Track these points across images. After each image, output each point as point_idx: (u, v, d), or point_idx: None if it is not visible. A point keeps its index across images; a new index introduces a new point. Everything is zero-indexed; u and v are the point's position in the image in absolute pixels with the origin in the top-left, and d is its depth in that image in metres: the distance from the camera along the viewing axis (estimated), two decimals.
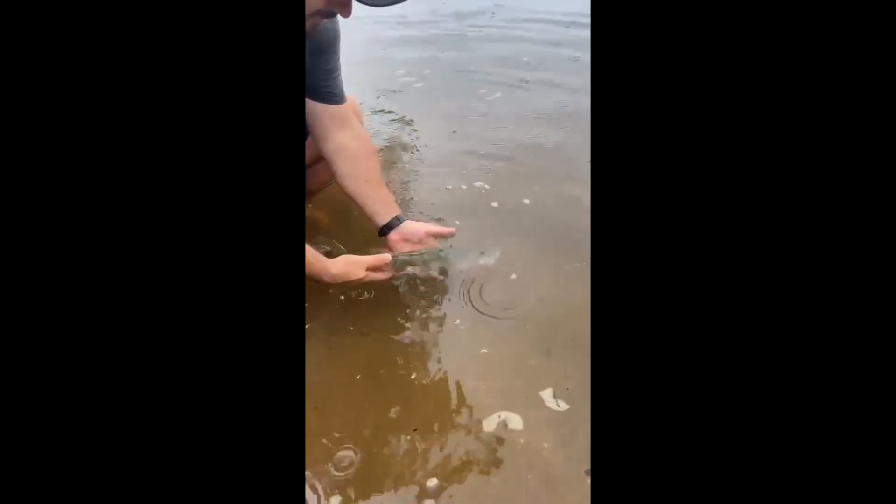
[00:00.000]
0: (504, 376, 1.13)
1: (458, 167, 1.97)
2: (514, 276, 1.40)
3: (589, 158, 1.93)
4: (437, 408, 1.07)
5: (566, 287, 1.35)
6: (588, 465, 0.93)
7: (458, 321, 1.28)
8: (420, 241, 1.35)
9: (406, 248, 1.34)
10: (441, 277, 1.34)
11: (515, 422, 1.03)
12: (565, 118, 2.27)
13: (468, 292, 1.35)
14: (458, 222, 1.61)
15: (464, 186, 1.84)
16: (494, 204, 1.73)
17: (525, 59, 3.06)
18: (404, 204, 1.75)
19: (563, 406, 1.05)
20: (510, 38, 3.51)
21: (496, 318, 1.28)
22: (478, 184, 1.84)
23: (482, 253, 1.31)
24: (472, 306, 1.31)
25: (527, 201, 1.73)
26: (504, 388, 1.10)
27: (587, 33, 3.09)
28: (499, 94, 2.62)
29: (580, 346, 1.17)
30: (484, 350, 1.19)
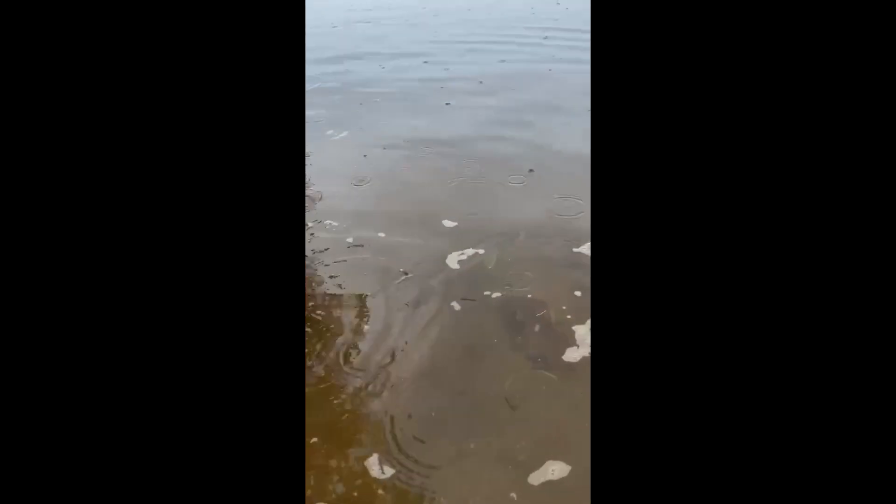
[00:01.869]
0: (332, 445, 1.06)
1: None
2: (370, 329, 1.45)
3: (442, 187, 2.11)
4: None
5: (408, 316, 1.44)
6: None
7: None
8: None
9: None
10: None
11: None
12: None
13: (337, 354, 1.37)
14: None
15: (310, 224, 1.88)
16: (349, 239, 1.78)
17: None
18: None
19: (388, 472, 0.99)
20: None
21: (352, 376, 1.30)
22: (328, 222, 1.88)
23: None
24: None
25: (381, 234, 1.81)
26: (334, 457, 1.03)
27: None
28: (345, 134, 2.70)
29: (424, 384, 1.22)
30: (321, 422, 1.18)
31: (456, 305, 1.44)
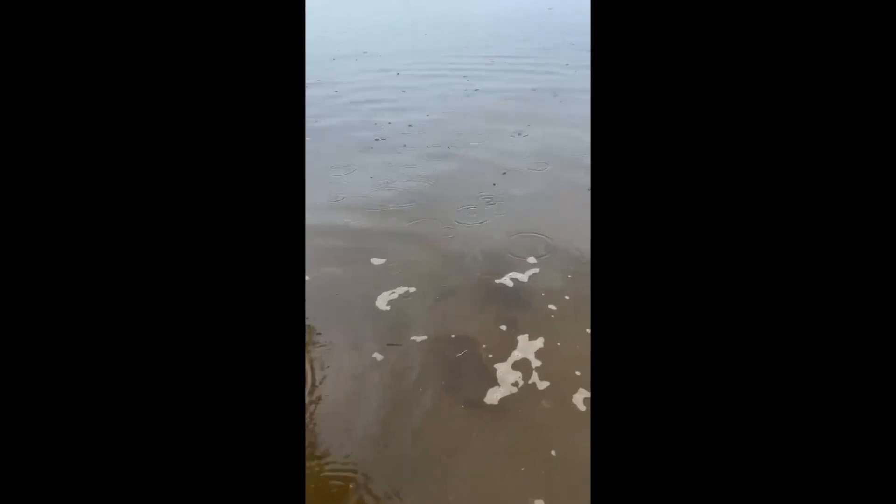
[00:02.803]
0: None
1: None
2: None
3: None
4: None
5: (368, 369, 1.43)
6: None
7: None
8: None
9: None
10: None
11: None
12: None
13: None
14: None
15: None
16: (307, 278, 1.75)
17: None
18: None
19: None
20: None
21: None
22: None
23: None
24: None
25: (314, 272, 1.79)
26: None
27: None
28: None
29: (343, 437, 1.23)
30: None
31: (378, 356, 1.44)
